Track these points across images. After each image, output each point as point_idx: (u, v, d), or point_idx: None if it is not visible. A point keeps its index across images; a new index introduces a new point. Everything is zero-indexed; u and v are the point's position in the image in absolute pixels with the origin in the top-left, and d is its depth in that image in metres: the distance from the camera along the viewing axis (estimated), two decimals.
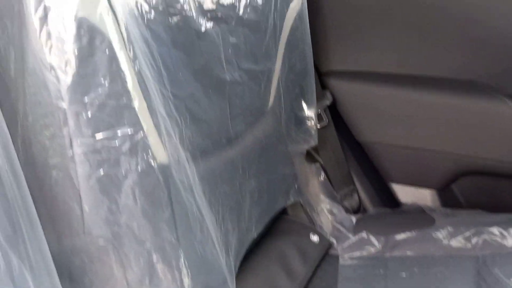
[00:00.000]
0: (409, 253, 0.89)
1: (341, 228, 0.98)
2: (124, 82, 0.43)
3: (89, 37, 0.40)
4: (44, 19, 0.39)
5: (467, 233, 0.89)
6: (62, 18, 0.39)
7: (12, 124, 0.41)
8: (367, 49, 1.09)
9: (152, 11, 0.52)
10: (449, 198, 1.10)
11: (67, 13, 0.39)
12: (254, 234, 0.79)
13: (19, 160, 0.41)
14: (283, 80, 0.91)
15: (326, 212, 1.02)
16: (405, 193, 1.13)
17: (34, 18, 0.39)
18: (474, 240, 0.87)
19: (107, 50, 0.41)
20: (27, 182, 0.41)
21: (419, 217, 0.99)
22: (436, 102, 1.05)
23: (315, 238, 0.94)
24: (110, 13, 0.41)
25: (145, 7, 0.50)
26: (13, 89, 0.41)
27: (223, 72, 0.70)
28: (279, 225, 0.94)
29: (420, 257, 0.87)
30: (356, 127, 1.11)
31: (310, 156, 1.05)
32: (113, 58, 0.42)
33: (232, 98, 0.73)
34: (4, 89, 0.41)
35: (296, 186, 0.95)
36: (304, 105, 1.01)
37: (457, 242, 0.88)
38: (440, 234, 0.91)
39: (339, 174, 1.10)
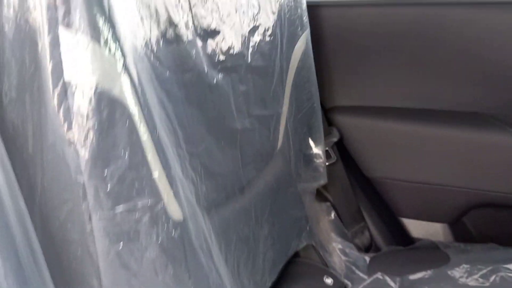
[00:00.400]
0: None
1: (355, 269, 0.96)
2: (144, 153, 0.42)
3: (109, 110, 0.39)
4: (63, 94, 0.38)
5: (484, 271, 0.87)
6: (81, 92, 0.38)
7: (30, 200, 0.40)
8: (371, 84, 1.09)
9: (167, 71, 0.51)
10: (461, 232, 1.09)
11: (86, 87, 0.38)
12: (268, 284, 0.77)
13: (37, 236, 0.39)
14: (291, 121, 0.91)
15: (339, 252, 1.00)
16: (416, 228, 1.12)
17: (53, 93, 0.38)
18: (491, 278, 0.85)
19: (127, 121, 0.40)
20: (45, 258, 0.40)
21: (433, 255, 0.98)
22: (443, 136, 1.04)
23: (329, 280, 0.92)
24: (130, 83, 0.40)
25: (160, 68, 0.49)
26: (31, 165, 0.40)
27: (234, 121, 0.69)
28: (291, 269, 0.92)
29: None
30: (364, 163, 1.10)
31: (319, 195, 1.04)
32: (133, 129, 0.41)
33: (243, 146, 0.72)
34: (22, 165, 0.40)
35: (308, 228, 0.93)
36: (312, 143, 1.00)
37: (474, 281, 0.86)
38: (457, 273, 0.89)
39: (349, 211, 1.08)
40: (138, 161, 0.41)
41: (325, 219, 1.03)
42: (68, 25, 0.36)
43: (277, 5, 0.82)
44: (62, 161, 0.39)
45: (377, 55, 1.07)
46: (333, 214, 1.05)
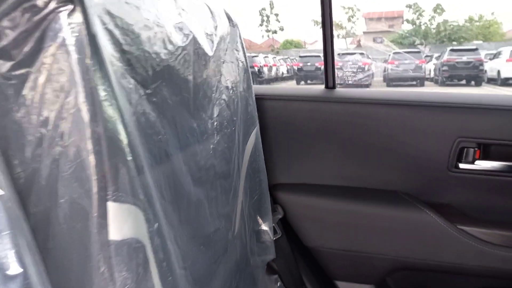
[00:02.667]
0: None
1: None
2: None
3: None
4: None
5: None
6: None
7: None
8: (308, 165, 1.27)
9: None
10: None
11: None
12: None
13: None
14: (246, 208, 1.04)
15: None
16: None
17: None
18: None
19: None
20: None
21: None
22: (368, 211, 1.23)
23: None
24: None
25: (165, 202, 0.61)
26: None
27: (208, 225, 0.81)
28: None
29: None
30: (304, 235, 1.26)
31: (268, 267, 1.17)
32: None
33: (216, 242, 0.84)
34: None
35: None
36: (261, 222, 1.13)
37: None
38: None
39: (293, 279, 1.23)
40: None
41: None
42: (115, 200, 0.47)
43: (237, 113, 0.96)
44: None
45: (312, 141, 1.25)
46: (279, 284, 1.18)
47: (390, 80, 13.44)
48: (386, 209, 1.21)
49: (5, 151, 0.46)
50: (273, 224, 1.18)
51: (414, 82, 13.22)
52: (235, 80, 0.97)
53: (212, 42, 0.86)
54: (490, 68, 13.58)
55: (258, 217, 1.12)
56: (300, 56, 16.22)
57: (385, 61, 14.34)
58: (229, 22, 0.97)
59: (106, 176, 0.47)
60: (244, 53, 1.04)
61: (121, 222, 0.48)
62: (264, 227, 1.13)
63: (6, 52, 0.44)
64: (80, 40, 0.45)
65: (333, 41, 1.29)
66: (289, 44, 23.12)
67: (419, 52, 14.85)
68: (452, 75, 13.41)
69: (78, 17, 0.45)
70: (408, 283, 1.26)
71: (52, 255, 0.47)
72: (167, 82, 0.64)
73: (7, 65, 0.45)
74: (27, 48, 0.44)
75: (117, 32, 0.51)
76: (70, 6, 0.45)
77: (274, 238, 1.17)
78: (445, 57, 13.69)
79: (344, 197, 1.25)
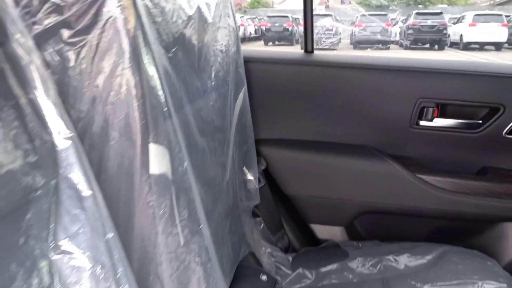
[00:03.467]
0: (334, 281, 1.21)
1: (282, 267, 1.27)
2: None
3: None
4: None
5: (372, 261, 1.24)
6: None
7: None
8: (288, 122, 1.41)
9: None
10: (353, 232, 1.46)
11: None
12: (229, 281, 1.04)
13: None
14: (235, 158, 1.18)
15: (268, 254, 1.30)
16: (321, 231, 1.47)
17: None
18: (378, 267, 1.22)
19: None
20: None
21: (336, 252, 1.32)
22: (340, 163, 1.40)
23: (264, 277, 1.22)
24: None
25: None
26: None
27: (210, 170, 0.94)
28: (236, 272, 1.19)
29: (342, 283, 1.19)
30: (284, 184, 1.41)
31: (253, 212, 1.32)
32: None
33: (217, 185, 0.98)
34: None
35: (246, 240, 1.21)
36: (247, 172, 1.28)
37: (366, 269, 1.22)
38: (354, 264, 1.24)
39: (273, 222, 1.39)
40: None
41: (257, 230, 1.32)
42: None
43: (229, 74, 1.08)
44: None
45: (292, 101, 1.39)
46: (262, 226, 1.34)
47: (357, 43, 13.62)
48: (356, 161, 1.38)
49: (65, 102, 0.57)
50: (258, 174, 1.33)
51: (381, 45, 13.45)
52: (227, 44, 1.08)
53: (209, 10, 0.97)
54: (453, 32, 13.94)
55: (245, 168, 1.26)
56: (268, 16, 16.09)
57: (352, 23, 14.47)
58: None
59: (148, 124, 0.59)
60: (234, 18, 1.15)
61: (158, 160, 0.61)
62: (250, 176, 1.28)
63: (68, 23, 0.55)
64: (127, 15, 0.56)
65: (313, 6, 1.41)
66: (257, 3, 22.84)
67: (385, 15, 15.01)
68: (417, 38, 13.70)
69: None
70: (372, 225, 1.45)
71: (104, 187, 0.60)
72: (181, 47, 0.76)
73: (68, 33, 0.55)
74: (85, 20, 0.55)
75: (150, 5, 0.63)
76: None
77: (258, 187, 1.31)
78: (411, 20, 13.93)
79: (319, 150, 1.40)
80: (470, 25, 13.17)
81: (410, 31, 13.77)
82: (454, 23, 14.27)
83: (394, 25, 14.84)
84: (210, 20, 0.94)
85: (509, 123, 1.28)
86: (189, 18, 0.80)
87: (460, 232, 1.39)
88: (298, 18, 15.08)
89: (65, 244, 0.50)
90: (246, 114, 1.23)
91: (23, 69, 0.51)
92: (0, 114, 0.46)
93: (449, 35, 13.97)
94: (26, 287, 0.46)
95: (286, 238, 1.43)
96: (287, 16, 15.09)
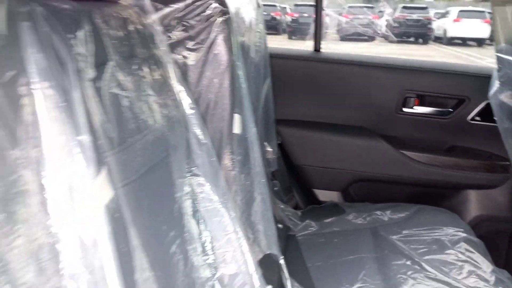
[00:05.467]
0: (334, 229, 1.56)
1: (293, 219, 1.63)
2: None
3: None
4: None
5: (364, 215, 1.60)
6: None
7: None
8: (300, 106, 1.76)
9: None
10: (348, 196, 1.83)
11: None
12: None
13: None
14: (261, 132, 1.52)
15: (281, 210, 1.65)
16: (322, 194, 1.83)
17: None
18: (368, 219, 1.58)
19: None
20: None
21: (335, 209, 1.68)
22: (340, 139, 1.75)
23: (280, 225, 1.57)
24: None
25: None
26: None
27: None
28: None
29: (341, 231, 1.55)
30: (294, 156, 1.77)
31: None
32: None
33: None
34: None
35: None
36: (267, 144, 1.62)
37: (359, 221, 1.58)
38: (350, 218, 1.60)
39: (284, 186, 1.74)
40: None
41: (273, 191, 1.67)
42: None
43: (261, 65, 1.42)
44: None
45: (303, 89, 1.74)
46: (276, 188, 1.69)
47: (344, 34, 13.90)
48: (352, 138, 1.74)
49: (187, 85, 0.91)
50: (275, 147, 1.67)
51: (366, 37, 13.74)
52: (261, 44, 1.42)
53: (251, 17, 1.30)
54: (438, 27, 14.39)
55: (266, 142, 1.61)
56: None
57: (340, 14, 14.76)
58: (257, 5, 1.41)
59: (233, 103, 0.93)
60: (263, 24, 1.48)
61: (237, 124, 0.96)
62: (269, 148, 1.62)
63: (191, 36, 0.89)
64: (227, 34, 0.90)
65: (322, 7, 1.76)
66: None
67: (373, 7, 15.34)
68: (402, 32, 14.12)
69: (225, 18, 0.90)
70: (363, 190, 1.82)
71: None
72: (242, 48, 1.10)
73: (191, 43, 0.89)
74: (201, 35, 0.89)
75: (235, 26, 0.96)
76: (221, 13, 0.90)
77: (275, 156, 1.66)
78: (397, 13, 14.33)
79: (323, 129, 1.76)
80: (455, 20, 13.59)
81: (396, 24, 14.15)
82: (438, 18, 14.70)
83: (381, 17, 15.19)
84: (253, 26, 1.28)
85: (472, 111, 1.65)
86: (246, 27, 1.13)
87: (432, 196, 1.76)
88: (285, 8, 15.23)
89: (194, 170, 0.84)
90: (270, 99, 1.57)
91: (164, 65, 0.85)
92: (160, 95, 0.80)
93: (433, 29, 14.41)
94: (178, 206, 0.80)
95: (295, 199, 1.79)
96: (275, 5, 15.17)
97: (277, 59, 1.69)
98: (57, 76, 0.48)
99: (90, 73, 0.56)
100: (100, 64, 0.60)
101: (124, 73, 0.66)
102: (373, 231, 1.51)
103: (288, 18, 14.56)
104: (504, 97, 1.33)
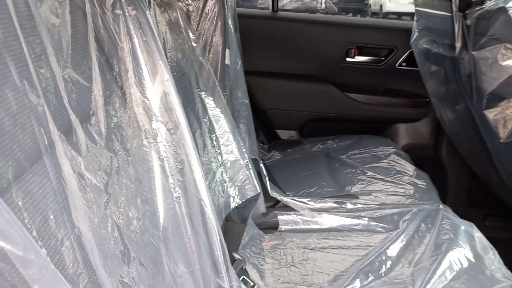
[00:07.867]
0: (296, 156, 1.94)
1: (262, 151, 1.98)
2: None
3: None
4: None
5: (319, 145, 1.98)
6: None
7: None
8: (263, 59, 2.11)
9: None
10: (304, 134, 2.21)
11: None
12: None
13: None
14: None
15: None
16: (283, 133, 2.20)
17: None
18: (321, 147, 1.97)
19: None
20: None
21: (295, 142, 2.06)
22: (296, 85, 2.12)
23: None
24: None
25: None
26: None
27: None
28: None
29: (301, 156, 1.92)
30: (260, 101, 2.12)
31: None
32: None
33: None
34: None
35: None
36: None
37: (316, 148, 1.97)
38: (307, 147, 1.98)
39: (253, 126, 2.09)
40: None
41: None
42: None
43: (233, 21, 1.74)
44: None
45: (266, 45, 2.09)
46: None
47: (292, 7, 14.28)
48: (307, 84, 2.11)
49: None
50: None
51: (308, 13, 14.24)
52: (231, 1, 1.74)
53: None
54: (374, 2, 15.07)
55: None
56: None
57: None
58: None
59: (224, 49, 1.26)
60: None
61: (228, 57, 1.28)
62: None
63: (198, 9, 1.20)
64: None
65: None
66: None
67: None
68: (340, 7, 14.69)
69: None
70: (316, 128, 2.21)
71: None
72: (226, 3, 1.42)
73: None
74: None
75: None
76: None
77: (246, 101, 2.00)
78: None
79: (283, 78, 2.12)
80: None
81: (334, 1, 14.68)
82: None
83: None
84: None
85: (399, 59, 2.07)
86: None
87: (371, 130, 2.18)
88: None
89: (201, 86, 1.17)
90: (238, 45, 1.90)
91: (175, 10, 1.16)
92: (173, 34, 1.11)
93: (370, 5, 15.08)
94: (196, 107, 1.12)
95: (261, 137, 2.15)
96: None
97: (243, 18, 2.01)
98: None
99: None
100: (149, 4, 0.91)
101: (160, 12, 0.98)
102: (326, 154, 1.90)
103: None
104: (422, 42, 1.74)
